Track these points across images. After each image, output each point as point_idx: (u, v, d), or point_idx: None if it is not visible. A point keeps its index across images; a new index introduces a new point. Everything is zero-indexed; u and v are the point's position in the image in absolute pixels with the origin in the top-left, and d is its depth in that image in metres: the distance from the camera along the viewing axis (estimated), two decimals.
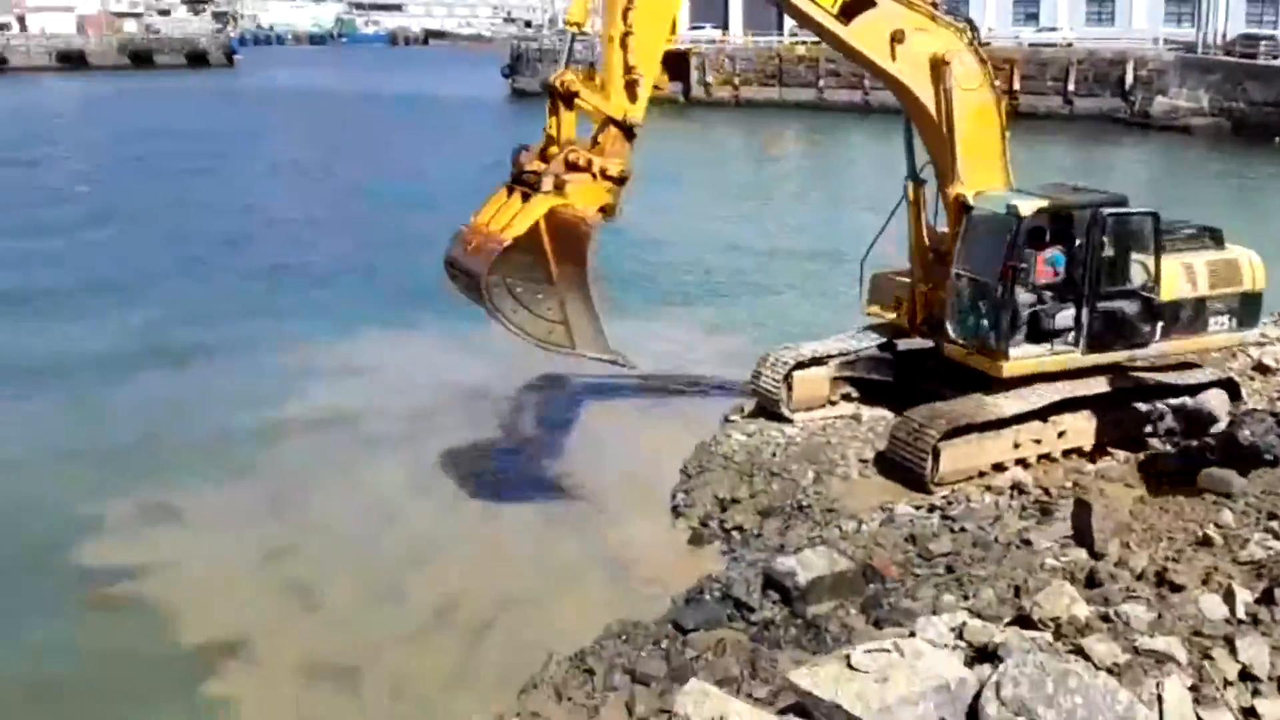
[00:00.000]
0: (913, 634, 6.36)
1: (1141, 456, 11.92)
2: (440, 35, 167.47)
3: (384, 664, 9.35)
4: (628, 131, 10.37)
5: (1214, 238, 13.03)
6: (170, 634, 9.80)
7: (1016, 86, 52.90)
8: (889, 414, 13.01)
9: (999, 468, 11.85)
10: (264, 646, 9.62)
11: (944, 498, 11.31)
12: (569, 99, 10.19)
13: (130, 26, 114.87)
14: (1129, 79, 54.30)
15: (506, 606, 10.17)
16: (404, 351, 17.40)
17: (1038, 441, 12.05)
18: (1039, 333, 12.02)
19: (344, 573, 10.86)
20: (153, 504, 12.16)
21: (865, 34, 11.70)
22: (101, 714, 8.74)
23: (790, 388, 13.43)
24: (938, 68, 11.94)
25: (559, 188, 9.96)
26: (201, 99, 66.32)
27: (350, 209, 28.97)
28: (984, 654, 6.17)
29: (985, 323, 11.96)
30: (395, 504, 12.26)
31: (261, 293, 20.92)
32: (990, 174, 12.37)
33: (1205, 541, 8.34)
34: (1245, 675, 6.01)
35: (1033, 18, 65.54)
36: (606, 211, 10.38)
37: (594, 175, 10.17)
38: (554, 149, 10.24)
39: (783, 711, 5.98)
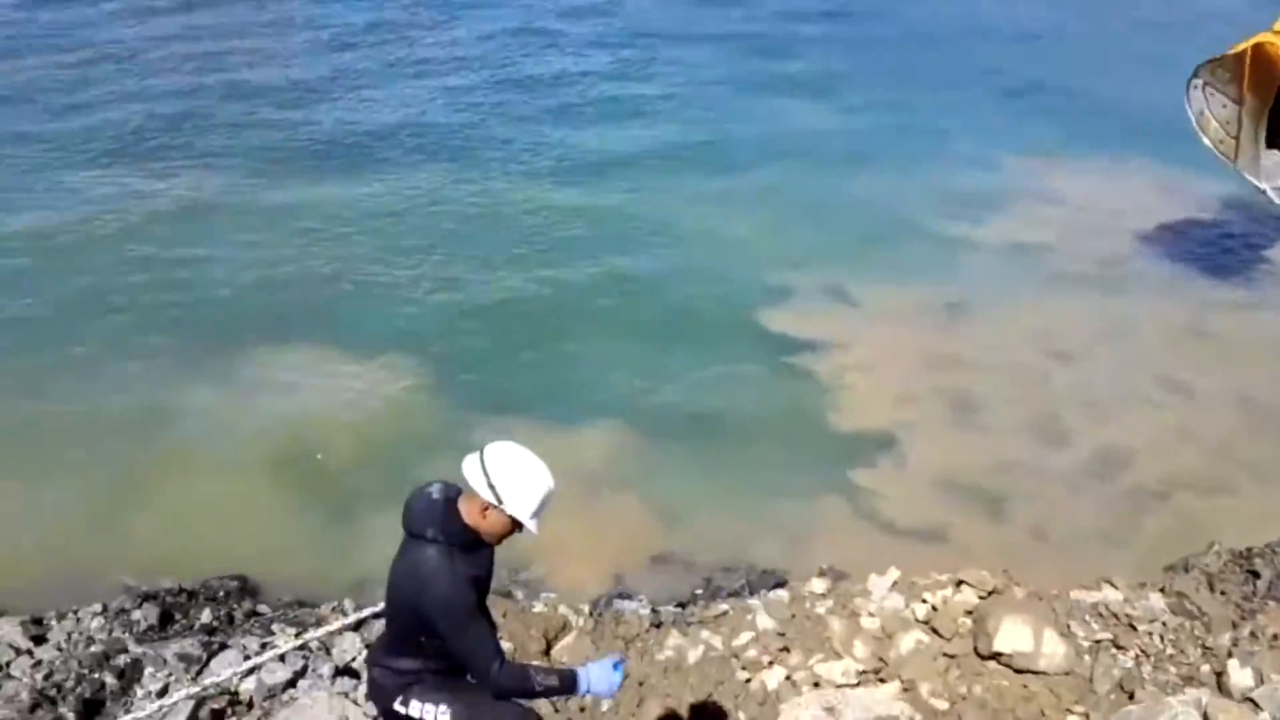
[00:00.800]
0: None
1: None
2: None
3: (1030, 499, 9.24)
4: None
5: None
6: (830, 412, 10.47)
7: None
8: None
9: None
10: (913, 449, 9.93)
11: None
12: None
13: None
14: None
15: (1175, 483, 9.46)
16: (1112, 187, 16.06)
17: None
18: None
19: (1006, 398, 10.72)
20: (832, 286, 12.75)
21: None
22: (762, 465, 9.62)
23: None
24: None
25: None
26: None
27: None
28: None
29: None
30: (1072, 344, 11.71)
31: (983, 100, 20.12)
32: None
33: None
34: None
35: None
36: None
37: None
38: None
39: None
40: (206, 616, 7.58)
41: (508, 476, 3.81)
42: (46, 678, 6.50)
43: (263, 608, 7.83)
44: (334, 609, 7.65)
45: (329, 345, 11.21)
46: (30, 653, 6.83)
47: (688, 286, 12.85)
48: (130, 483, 9.09)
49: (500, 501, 3.80)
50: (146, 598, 7.65)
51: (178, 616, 7.57)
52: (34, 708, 6.15)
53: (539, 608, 7.55)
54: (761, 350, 11.51)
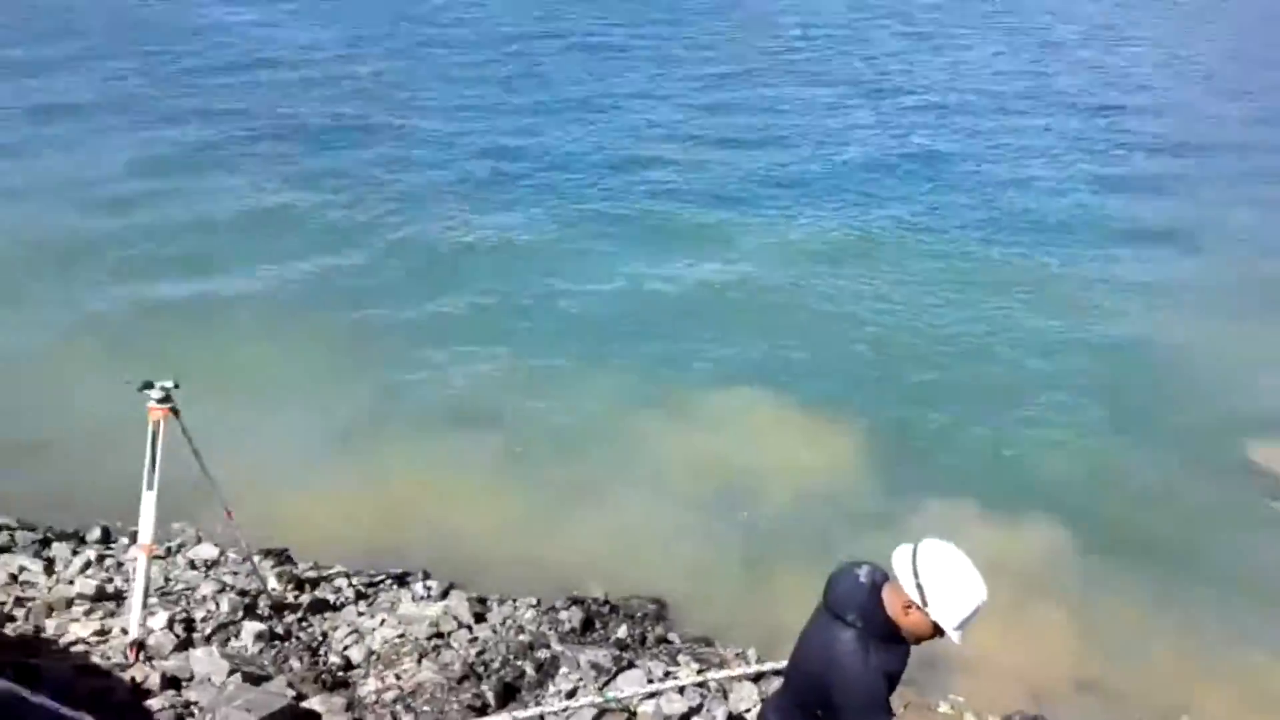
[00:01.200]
0: None
1: None
2: None
3: None
4: None
5: None
6: None
7: None
8: None
9: None
10: None
11: None
12: None
13: None
14: None
15: None
16: None
17: None
18: None
19: None
20: None
21: None
22: (1224, 609, 8.60)
23: None
24: None
25: None
26: None
27: None
28: None
29: None
30: None
31: None
32: None
33: None
34: None
35: None
36: None
37: None
38: None
39: None
40: (622, 632, 7.97)
41: (939, 580, 3.57)
42: (479, 654, 7.14)
43: (673, 636, 8.11)
44: (737, 655, 7.77)
45: (776, 395, 11.46)
46: (470, 628, 7.55)
47: (1171, 396, 11.79)
48: (580, 493, 9.80)
49: (926, 604, 3.57)
50: (575, 601, 8.22)
51: (597, 625, 8.04)
52: (462, 679, 6.77)
53: (944, 709, 7.18)
54: (1245, 483, 10.28)
